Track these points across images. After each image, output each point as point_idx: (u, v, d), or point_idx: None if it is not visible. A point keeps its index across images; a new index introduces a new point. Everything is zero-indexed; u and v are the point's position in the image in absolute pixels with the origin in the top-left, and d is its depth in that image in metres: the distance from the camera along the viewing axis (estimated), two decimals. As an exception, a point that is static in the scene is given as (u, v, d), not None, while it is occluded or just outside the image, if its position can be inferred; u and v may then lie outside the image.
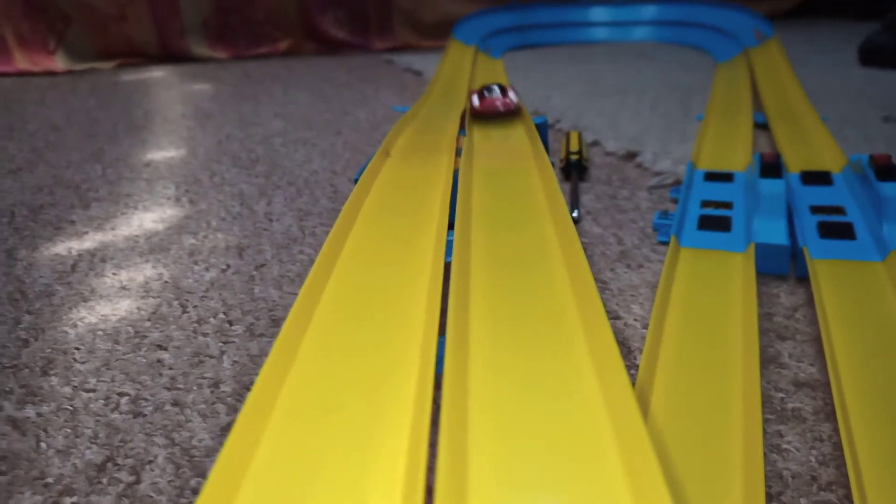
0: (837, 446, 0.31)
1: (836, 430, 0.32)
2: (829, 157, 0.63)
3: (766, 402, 0.34)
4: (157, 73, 1.50)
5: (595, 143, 0.80)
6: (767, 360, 0.38)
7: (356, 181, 0.49)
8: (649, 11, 1.61)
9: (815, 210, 0.52)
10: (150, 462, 0.32)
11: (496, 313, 0.29)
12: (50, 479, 0.32)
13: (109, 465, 0.32)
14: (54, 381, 0.39)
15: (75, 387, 0.39)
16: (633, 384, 0.34)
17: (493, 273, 0.33)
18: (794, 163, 0.63)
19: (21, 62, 1.51)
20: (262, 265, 0.53)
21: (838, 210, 0.52)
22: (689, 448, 0.30)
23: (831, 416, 0.33)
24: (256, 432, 0.20)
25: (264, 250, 0.55)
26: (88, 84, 1.38)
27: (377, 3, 1.67)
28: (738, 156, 0.66)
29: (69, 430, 0.35)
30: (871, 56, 1.17)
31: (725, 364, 0.35)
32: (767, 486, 0.29)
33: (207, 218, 0.63)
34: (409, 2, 1.68)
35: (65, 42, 1.54)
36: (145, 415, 0.36)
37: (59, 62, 1.53)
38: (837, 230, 0.48)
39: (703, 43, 1.43)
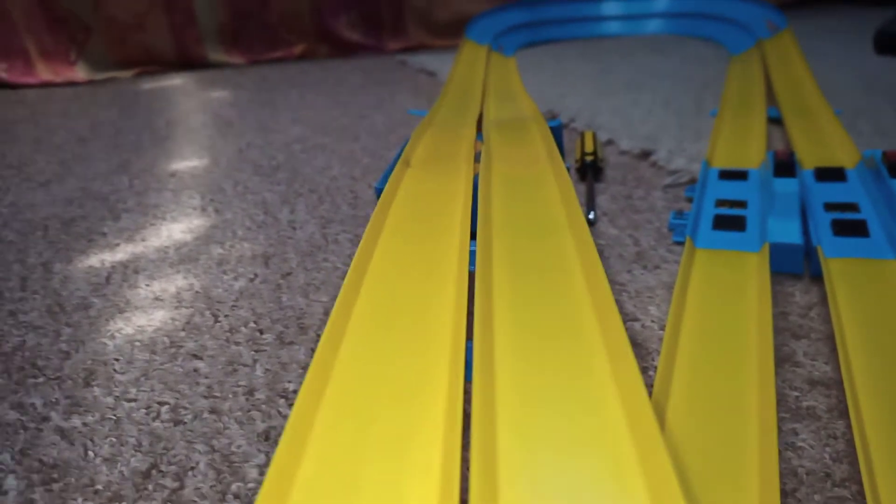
0: (851, 443, 0.32)
1: (850, 427, 0.33)
2: (843, 153, 0.64)
3: (781, 400, 0.36)
4: (176, 80, 1.53)
5: (609, 143, 0.81)
6: (782, 359, 0.39)
7: (378, 190, 0.50)
8: (661, 4, 1.62)
9: (829, 207, 0.53)
10: (193, 468, 0.34)
11: (518, 323, 0.30)
12: (99, 486, 0.34)
13: (154, 471, 0.34)
14: (97, 391, 0.41)
15: (117, 397, 0.41)
16: (651, 384, 0.35)
17: (514, 283, 0.34)
18: (808, 159, 0.63)
19: (43, 73, 1.55)
20: (289, 273, 0.54)
21: (852, 207, 0.53)
22: (706, 445, 0.31)
23: (845, 413, 0.34)
24: (300, 447, 0.22)
25: (289, 258, 0.57)
26: (110, 93, 1.41)
27: (390, 4, 1.68)
28: (752, 153, 0.67)
29: (114, 439, 0.37)
30: (886, 44, 1.16)
31: (741, 363, 0.36)
32: (782, 483, 0.30)
33: (233, 227, 0.65)
34: (422, 1, 1.69)
35: (85, 52, 1.57)
36: (185, 423, 0.38)
37: (80, 72, 1.56)
38: (851, 228, 0.49)
39: (716, 35, 1.43)
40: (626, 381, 0.26)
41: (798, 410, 0.35)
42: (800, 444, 0.33)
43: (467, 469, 0.21)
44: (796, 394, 0.36)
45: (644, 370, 0.39)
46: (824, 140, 0.69)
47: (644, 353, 0.41)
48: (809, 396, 0.36)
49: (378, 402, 0.25)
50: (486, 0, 1.68)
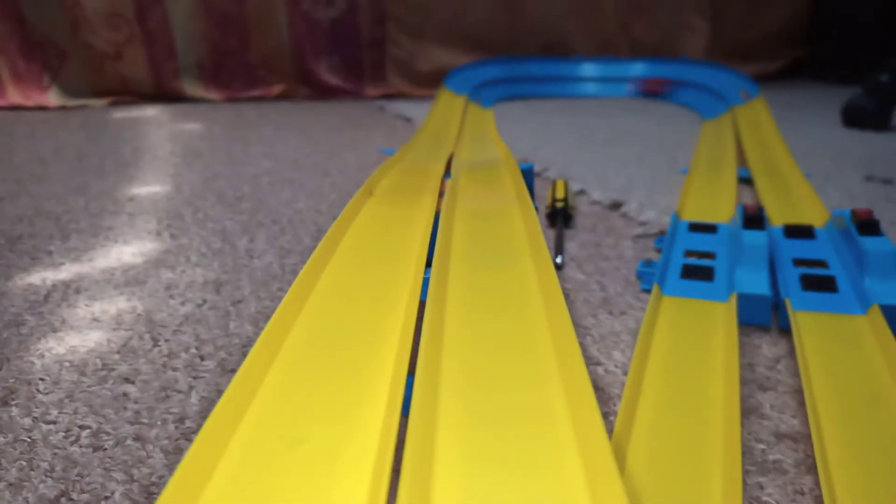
0: (818, 499, 0.30)
1: (817, 482, 0.31)
2: (812, 212, 0.64)
3: (747, 453, 0.34)
4: (150, 111, 1.51)
5: (581, 192, 0.80)
6: (749, 411, 0.37)
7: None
8: (638, 69, 1.65)
9: (798, 263, 0.52)
10: (107, 498, 0.31)
11: (469, 353, 0.28)
12: (-2, 514, 0.30)
13: (63, 499, 0.31)
14: (14, 411, 0.38)
15: (35, 418, 0.37)
16: (612, 431, 0.33)
17: (468, 313, 0.32)
18: (778, 217, 0.63)
19: (14, 96, 1.52)
20: (240, 301, 0.52)
21: (821, 263, 0.52)
22: (668, 495, 0.29)
23: (812, 468, 0.32)
24: (211, 461, 0.19)
25: (243, 286, 0.54)
26: (80, 120, 1.38)
27: (371, 52, 1.70)
28: (721, 208, 0.66)
29: (24, 463, 0.33)
30: (854, 118, 1.19)
31: (706, 414, 0.34)
32: (746, 540, 0.28)
33: (187, 253, 0.62)
34: (403, 51, 1.70)
35: (59, 78, 1.55)
36: (105, 449, 0.34)
37: (51, 98, 1.54)
38: (819, 283, 0.48)
39: (690, 101, 1.46)
40: (583, 420, 0.24)
41: (764, 464, 0.33)
42: (766, 498, 0.30)
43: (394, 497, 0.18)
44: (762, 447, 0.34)
45: (605, 415, 0.37)
46: (794, 199, 0.69)
47: (605, 397, 0.39)
48: (776, 450, 0.34)
49: (306, 424, 0.22)
50: (467, 53, 1.71)
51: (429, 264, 0.38)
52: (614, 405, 0.38)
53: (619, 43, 1.83)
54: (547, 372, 0.28)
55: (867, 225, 0.51)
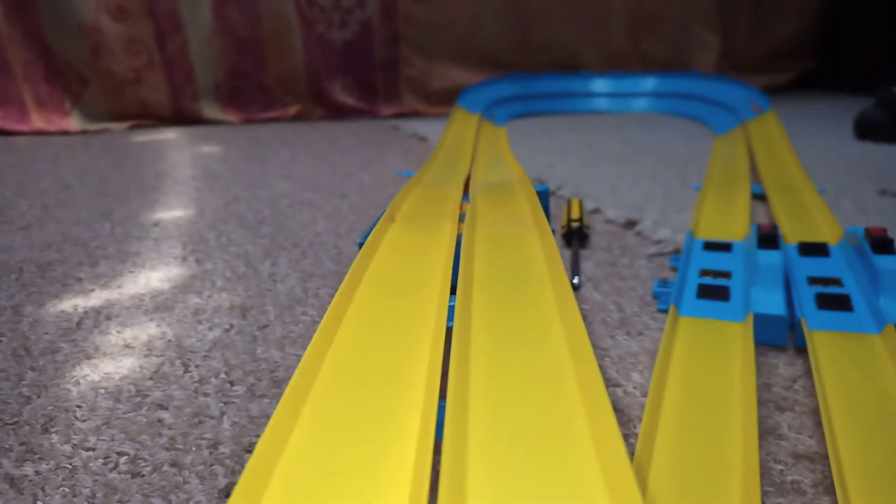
0: (837, 520, 0.31)
1: (835, 503, 0.32)
2: (826, 229, 0.64)
3: (766, 473, 0.34)
4: (170, 134, 1.54)
5: (596, 211, 0.81)
6: (766, 432, 0.38)
7: (361, 245, 0.50)
8: (649, 83, 1.66)
9: (813, 281, 0.53)
10: (147, 524, 0.32)
11: (496, 381, 0.29)
12: (45, 540, 0.31)
13: (106, 525, 0.32)
14: (55, 438, 0.39)
15: (75, 445, 0.39)
16: (632, 452, 0.34)
17: (493, 339, 0.33)
18: (792, 234, 0.64)
19: (37, 121, 1.55)
20: (266, 326, 0.53)
21: (835, 281, 0.53)
22: (688, 519, 0.30)
23: (830, 489, 0.33)
24: (257, 496, 0.20)
25: (268, 311, 0.56)
26: (101, 144, 1.41)
27: (384, 72, 1.72)
28: (736, 226, 0.67)
29: (67, 489, 0.35)
30: (866, 130, 1.19)
31: (724, 435, 0.35)
32: (767, 561, 0.29)
33: (213, 278, 0.64)
34: (416, 70, 1.73)
35: (80, 103, 1.58)
36: (143, 475, 0.36)
37: (73, 122, 1.57)
38: (835, 302, 0.49)
39: (702, 115, 1.47)
40: (606, 444, 0.25)
41: (783, 485, 0.34)
42: (785, 519, 0.31)
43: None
44: (781, 467, 0.35)
45: (625, 437, 0.38)
46: (808, 216, 0.70)
47: (626, 419, 0.40)
48: (794, 470, 0.35)
49: (344, 456, 0.23)
50: (479, 71, 1.73)
51: (453, 291, 0.39)
52: (634, 427, 0.39)
53: (630, 58, 1.85)
54: (569, 396, 0.29)
55: (881, 243, 0.52)
